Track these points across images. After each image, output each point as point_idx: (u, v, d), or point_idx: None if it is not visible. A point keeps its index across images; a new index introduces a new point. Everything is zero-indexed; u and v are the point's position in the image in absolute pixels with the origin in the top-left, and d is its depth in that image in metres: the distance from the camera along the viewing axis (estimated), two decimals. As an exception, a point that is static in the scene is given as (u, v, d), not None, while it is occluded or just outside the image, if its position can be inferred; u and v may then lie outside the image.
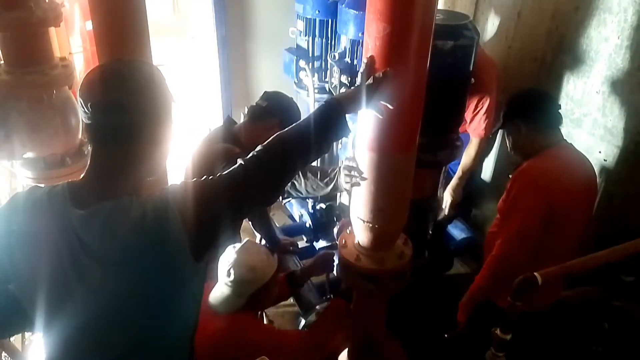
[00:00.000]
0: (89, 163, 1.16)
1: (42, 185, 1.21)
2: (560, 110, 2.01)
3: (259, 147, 1.29)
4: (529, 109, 1.99)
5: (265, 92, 2.27)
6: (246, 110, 2.22)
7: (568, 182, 1.91)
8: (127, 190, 1.13)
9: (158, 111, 1.14)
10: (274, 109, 2.15)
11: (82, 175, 1.17)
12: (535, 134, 1.96)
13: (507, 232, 1.90)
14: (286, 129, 1.35)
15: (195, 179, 1.20)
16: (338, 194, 2.78)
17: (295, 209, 3.07)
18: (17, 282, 1.18)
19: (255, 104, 2.22)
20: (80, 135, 2.71)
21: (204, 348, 1.58)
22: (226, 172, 1.22)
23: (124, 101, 1.09)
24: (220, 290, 1.74)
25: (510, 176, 2.08)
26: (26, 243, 1.14)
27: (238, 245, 1.75)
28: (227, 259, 1.72)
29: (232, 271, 1.70)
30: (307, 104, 2.90)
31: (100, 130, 1.12)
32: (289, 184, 2.02)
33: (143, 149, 1.14)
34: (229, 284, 1.71)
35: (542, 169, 1.91)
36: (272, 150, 1.28)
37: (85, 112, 1.10)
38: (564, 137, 2.02)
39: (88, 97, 1.10)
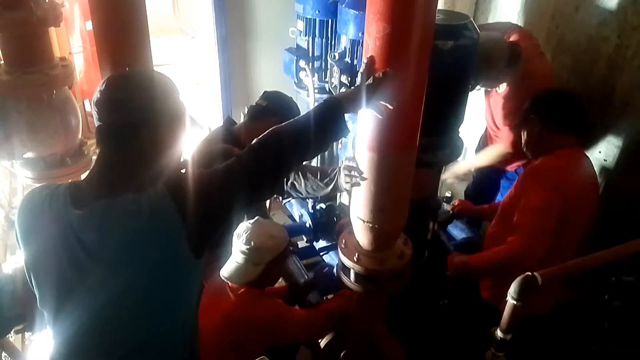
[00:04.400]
0: (93, 165, 1.18)
1: (54, 183, 1.23)
2: (581, 117, 1.98)
3: (254, 140, 1.29)
4: (548, 109, 1.98)
5: (265, 91, 2.27)
6: (246, 110, 2.22)
7: (578, 181, 1.91)
8: (125, 190, 1.13)
9: (161, 112, 1.15)
10: (273, 109, 2.15)
11: (84, 176, 1.19)
12: (550, 135, 1.95)
13: (523, 231, 1.86)
14: (283, 123, 1.35)
15: (191, 173, 1.20)
16: (338, 194, 2.77)
17: (295, 209, 3.07)
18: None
19: (255, 104, 2.21)
20: (80, 135, 2.71)
21: (214, 327, 1.69)
22: (222, 165, 1.22)
23: (126, 98, 1.12)
24: (235, 261, 1.82)
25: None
26: (30, 248, 1.16)
27: (251, 221, 1.86)
28: (243, 230, 1.82)
29: (251, 239, 1.79)
30: (307, 104, 2.90)
31: (104, 129, 1.14)
32: (289, 185, 2.02)
33: (145, 149, 1.15)
34: (246, 251, 1.79)
35: (554, 166, 1.91)
36: (267, 144, 1.28)
37: (94, 113, 1.14)
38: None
39: (95, 98, 1.14)
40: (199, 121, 1.29)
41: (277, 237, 1.87)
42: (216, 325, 1.72)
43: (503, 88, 2.46)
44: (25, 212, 1.18)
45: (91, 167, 1.19)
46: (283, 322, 1.82)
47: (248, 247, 1.78)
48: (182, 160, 1.27)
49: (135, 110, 1.12)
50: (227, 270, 1.83)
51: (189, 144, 1.34)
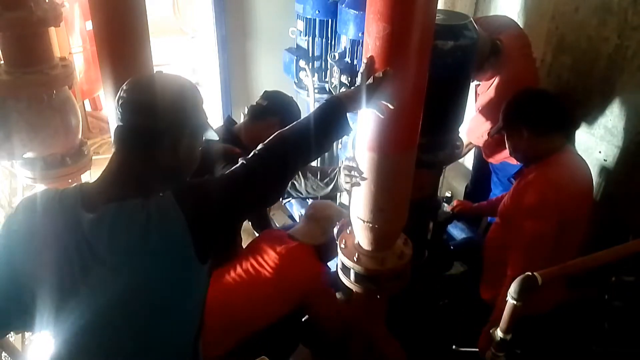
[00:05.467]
0: (106, 166, 1.17)
1: (54, 188, 1.22)
2: (566, 114, 1.98)
3: (260, 146, 1.29)
4: (532, 112, 1.96)
5: (265, 91, 2.27)
6: (246, 110, 2.22)
7: (574, 190, 1.90)
8: (134, 193, 1.13)
9: (185, 123, 1.16)
10: (274, 108, 2.15)
11: (96, 179, 1.18)
12: (538, 138, 1.94)
13: (521, 253, 1.87)
14: (287, 127, 1.35)
15: (197, 179, 1.20)
16: (338, 194, 2.77)
17: (295, 209, 3.07)
18: (25, 282, 1.17)
19: (255, 104, 2.22)
20: (80, 135, 2.71)
21: (268, 260, 1.95)
22: (228, 171, 1.23)
23: (153, 104, 1.12)
24: (307, 226, 2.13)
25: (510, 180, 2.07)
26: (34, 245, 1.13)
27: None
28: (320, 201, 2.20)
29: (326, 209, 2.14)
30: (307, 104, 2.90)
31: (125, 131, 1.14)
32: (289, 184, 2.02)
33: (163, 157, 1.15)
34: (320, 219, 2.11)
35: (550, 181, 1.88)
36: (273, 149, 1.29)
37: (117, 112, 1.14)
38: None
39: (120, 97, 1.14)
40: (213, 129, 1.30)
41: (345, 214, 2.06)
42: (270, 259, 1.95)
43: (482, 81, 2.49)
44: (26, 212, 1.14)
45: (104, 169, 1.17)
46: (319, 288, 1.95)
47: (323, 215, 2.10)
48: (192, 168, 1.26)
49: (160, 118, 1.12)
50: (298, 231, 2.12)
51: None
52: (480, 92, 2.55)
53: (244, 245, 2.29)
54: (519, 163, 2.15)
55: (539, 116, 1.94)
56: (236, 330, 1.86)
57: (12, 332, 1.76)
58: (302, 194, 2.03)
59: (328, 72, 2.55)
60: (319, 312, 1.99)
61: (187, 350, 1.32)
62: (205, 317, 1.72)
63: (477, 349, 1.81)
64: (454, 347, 2.01)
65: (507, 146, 2.08)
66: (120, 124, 1.14)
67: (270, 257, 1.96)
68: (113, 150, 1.17)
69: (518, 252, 1.89)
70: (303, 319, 2.08)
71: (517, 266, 1.85)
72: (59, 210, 1.13)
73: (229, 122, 2.28)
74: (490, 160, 2.68)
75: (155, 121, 1.12)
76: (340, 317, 1.99)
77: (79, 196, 1.13)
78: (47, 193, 1.17)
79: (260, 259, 1.97)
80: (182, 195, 1.14)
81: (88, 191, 1.15)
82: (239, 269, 1.97)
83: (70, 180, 2.61)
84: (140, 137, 1.13)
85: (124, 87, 1.15)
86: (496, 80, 2.41)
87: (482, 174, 2.92)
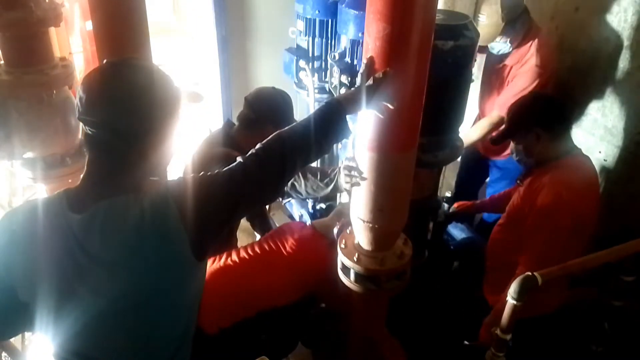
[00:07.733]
0: (85, 169, 1.15)
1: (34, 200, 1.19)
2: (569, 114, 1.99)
3: (258, 145, 1.28)
4: (546, 115, 1.95)
5: (245, 98, 2.24)
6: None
7: (586, 193, 1.90)
8: (123, 189, 1.12)
9: (159, 118, 1.13)
10: (264, 119, 2.13)
11: (78, 183, 1.16)
12: (553, 140, 1.94)
13: (533, 253, 1.87)
14: (286, 127, 1.35)
15: (193, 175, 1.20)
16: (338, 194, 2.78)
17: (295, 209, 3.07)
18: (19, 289, 1.16)
19: (243, 113, 2.20)
20: (80, 135, 2.71)
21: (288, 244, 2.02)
22: (225, 169, 1.22)
23: (116, 121, 1.08)
24: (331, 221, 2.14)
25: (518, 181, 2.07)
26: (26, 253, 1.12)
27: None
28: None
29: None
30: (307, 104, 2.90)
31: (95, 141, 1.11)
32: (289, 185, 2.02)
33: (139, 153, 1.13)
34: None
35: (566, 183, 1.88)
36: (271, 150, 1.28)
37: (84, 111, 1.09)
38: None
39: (87, 98, 1.08)
40: (198, 94, 1.26)
41: None
42: (288, 243, 2.03)
43: (505, 49, 2.50)
44: (22, 224, 1.12)
45: (84, 171, 1.15)
46: (331, 280, 1.90)
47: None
48: (174, 152, 1.23)
49: (133, 122, 1.09)
50: (319, 221, 2.21)
51: (187, 141, 1.31)
52: (501, 73, 2.56)
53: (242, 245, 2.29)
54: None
55: (554, 117, 1.94)
56: (245, 303, 1.90)
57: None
58: (302, 194, 2.03)
59: (328, 72, 2.54)
60: (328, 299, 2.05)
61: (186, 347, 1.32)
62: (220, 285, 1.87)
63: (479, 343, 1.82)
64: (465, 342, 2.02)
65: (515, 151, 2.07)
66: (91, 132, 1.09)
67: (288, 241, 2.04)
68: (86, 152, 1.13)
69: (531, 251, 1.88)
70: (305, 319, 2.08)
71: (528, 265, 1.85)
72: (46, 217, 1.11)
73: (229, 125, 2.28)
74: (495, 157, 2.67)
75: (126, 126, 1.09)
76: (348, 304, 1.98)
77: (64, 200, 1.12)
78: (30, 204, 1.15)
79: (278, 241, 2.05)
80: (177, 192, 1.13)
81: (73, 194, 1.14)
82: (257, 247, 2.05)
83: (70, 180, 2.60)
84: (114, 142, 1.10)
85: (88, 83, 1.09)
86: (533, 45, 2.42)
87: (472, 163, 2.92)
